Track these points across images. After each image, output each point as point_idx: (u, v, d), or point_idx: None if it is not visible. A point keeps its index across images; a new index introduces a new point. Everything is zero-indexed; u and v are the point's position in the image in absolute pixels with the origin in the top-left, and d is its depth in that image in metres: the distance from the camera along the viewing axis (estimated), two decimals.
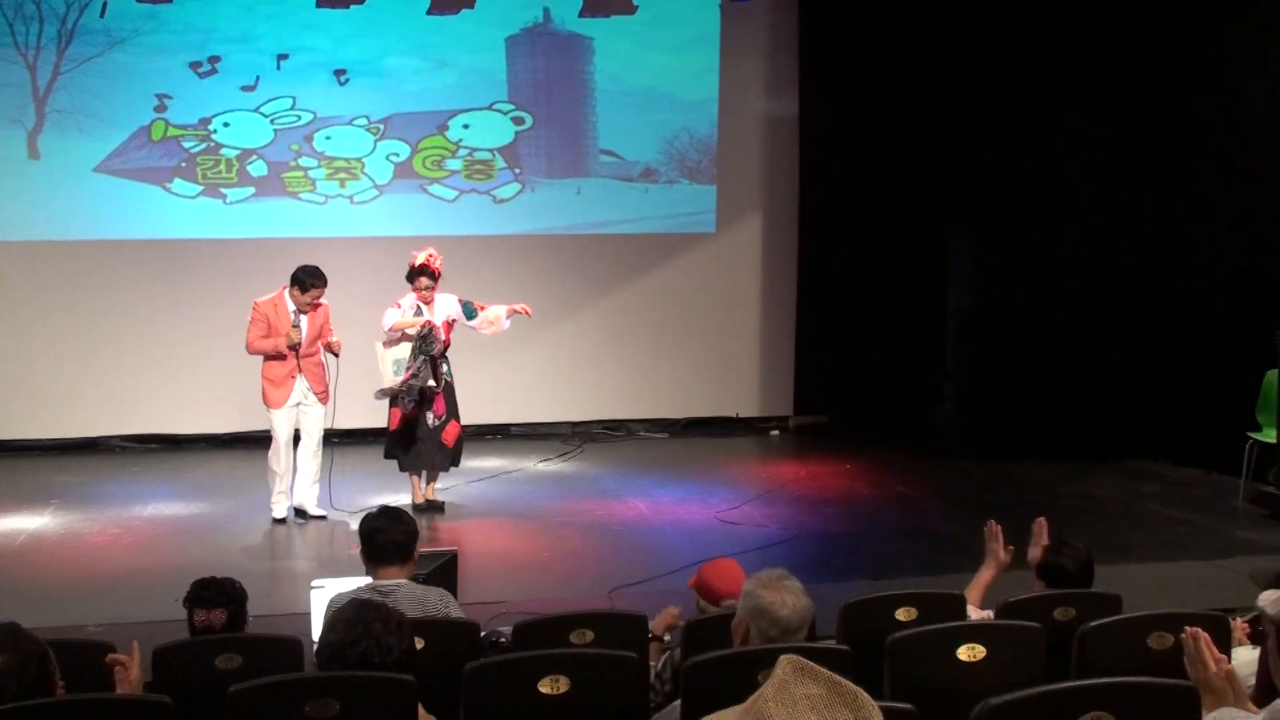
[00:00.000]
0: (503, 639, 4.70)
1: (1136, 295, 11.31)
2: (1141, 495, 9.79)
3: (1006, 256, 11.73)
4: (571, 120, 12.38)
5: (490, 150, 12.15)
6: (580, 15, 12.17)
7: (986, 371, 12.11)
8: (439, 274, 8.98)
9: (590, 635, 4.30)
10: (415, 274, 8.94)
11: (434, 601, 4.67)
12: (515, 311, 9.22)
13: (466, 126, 12.04)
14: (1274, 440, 9.04)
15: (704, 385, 12.71)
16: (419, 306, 8.93)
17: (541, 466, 10.86)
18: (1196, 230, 10.96)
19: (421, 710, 3.32)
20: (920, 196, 12.70)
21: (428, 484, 9.08)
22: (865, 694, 1.64)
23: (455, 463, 9.19)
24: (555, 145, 12.37)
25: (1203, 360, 10.75)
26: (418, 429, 8.88)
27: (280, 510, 8.79)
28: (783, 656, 1.68)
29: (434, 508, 9.00)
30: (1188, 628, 3.06)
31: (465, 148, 12.06)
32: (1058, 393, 11.45)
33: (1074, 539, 5.21)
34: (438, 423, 8.92)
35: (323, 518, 8.88)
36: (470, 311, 9.11)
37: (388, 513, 4.91)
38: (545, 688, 3.49)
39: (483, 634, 4.64)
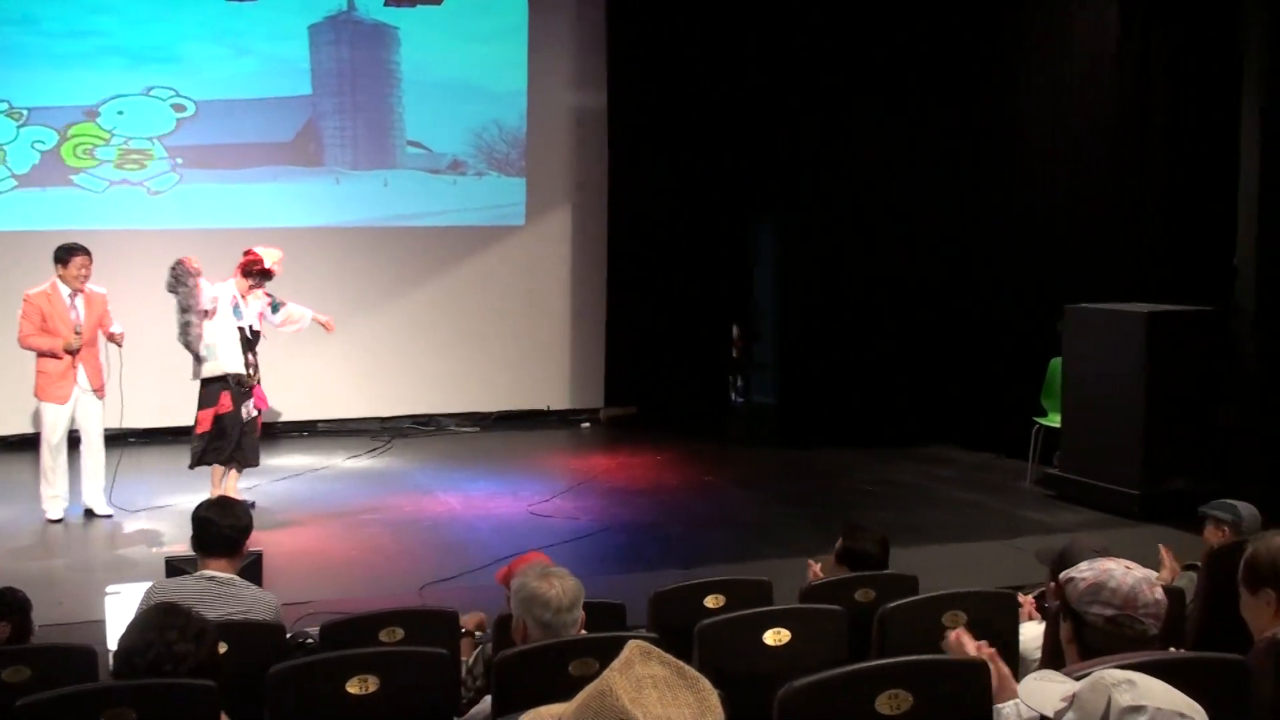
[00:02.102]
0: (309, 640, 4.61)
1: (931, 287, 11.74)
2: (937, 479, 10.17)
3: (808, 249, 12.03)
4: (377, 111, 12.18)
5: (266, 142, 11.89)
6: (386, 4, 11.99)
7: (790, 361, 12.40)
8: (271, 279, 8.79)
9: (400, 633, 4.24)
10: (258, 274, 8.66)
11: (263, 606, 4.57)
12: (319, 322, 9.07)
13: (247, 115, 11.73)
14: (1058, 425, 9.51)
15: (515, 378, 12.68)
16: (235, 300, 8.61)
17: (350, 463, 10.67)
18: (988, 225, 11.44)
19: (224, 717, 3.23)
20: (727, 188, 12.93)
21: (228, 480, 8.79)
22: (706, 680, 1.70)
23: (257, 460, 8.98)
24: (361, 136, 12.15)
25: (993, 349, 11.25)
26: (234, 424, 8.58)
27: (56, 511, 8.39)
28: (630, 641, 1.71)
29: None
30: (950, 632, 3.22)
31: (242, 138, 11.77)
32: (859, 381, 11.80)
33: (873, 523, 5.40)
34: (252, 416, 8.68)
35: (109, 517, 8.54)
36: (275, 306, 8.89)
37: (222, 504, 4.84)
38: (354, 688, 3.44)
39: (289, 636, 4.54)
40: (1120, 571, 2.97)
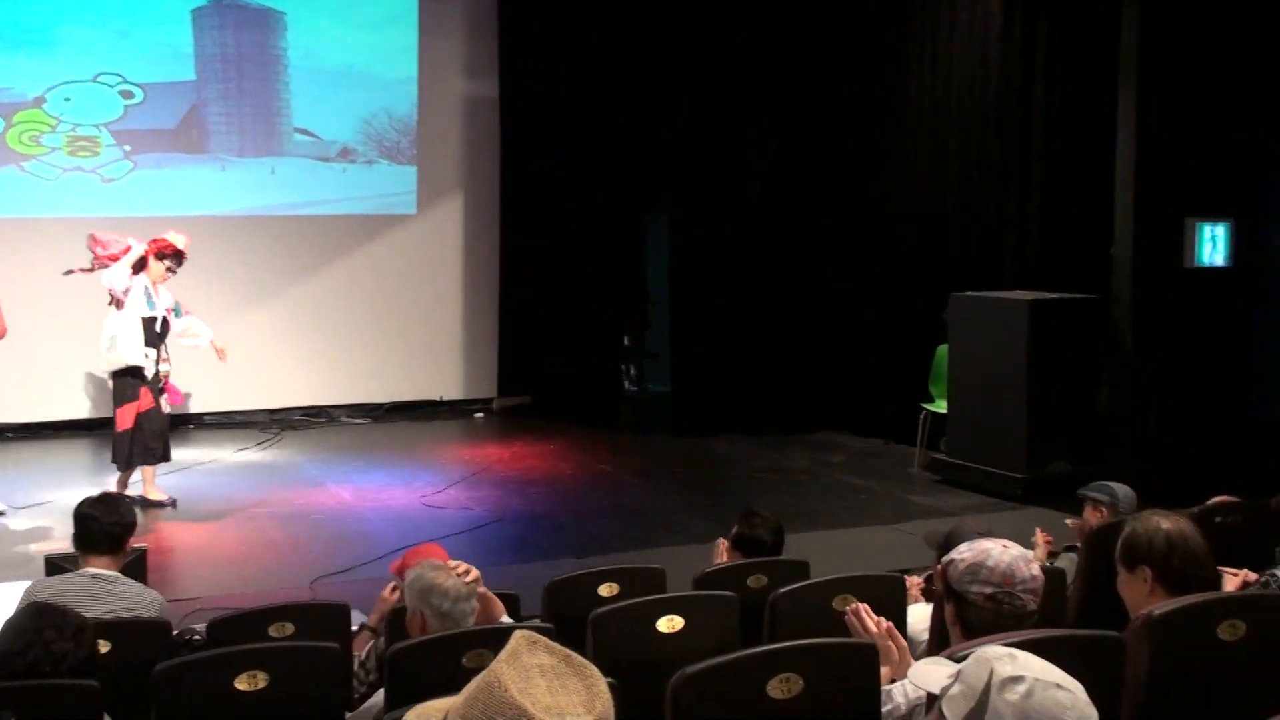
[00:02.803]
0: (196, 637, 4.52)
1: (821, 276, 11.88)
2: (828, 465, 10.32)
3: (700, 237, 12.09)
4: (264, 97, 11.96)
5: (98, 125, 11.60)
6: None
7: (683, 349, 12.46)
8: (184, 263, 8.58)
9: (290, 628, 4.19)
10: (168, 254, 8.43)
11: (147, 604, 4.48)
12: (215, 348, 8.90)
13: (134, 96, 11.44)
14: (945, 411, 9.70)
15: (407, 369, 12.57)
16: (147, 290, 8.40)
17: (238, 456, 10.48)
18: (875, 214, 11.61)
19: (108, 718, 3.16)
20: (620, 177, 12.95)
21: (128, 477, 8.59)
22: (594, 667, 1.70)
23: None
24: (247, 123, 11.92)
25: (881, 337, 11.43)
26: (152, 421, 8.39)
27: None
28: (516, 631, 1.71)
29: (164, 505, 8.58)
30: (848, 608, 3.28)
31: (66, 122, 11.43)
32: (751, 369, 11.90)
33: (766, 509, 5.44)
34: (170, 411, 8.49)
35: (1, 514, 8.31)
36: (179, 311, 8.72)
37: (105, 500, 4.73)
38: (243, 684, 3.38)
39: (175, 633, 4.45)
40: (998, 550, 3.03)
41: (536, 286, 12.72)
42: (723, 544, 5.24)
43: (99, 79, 11.23)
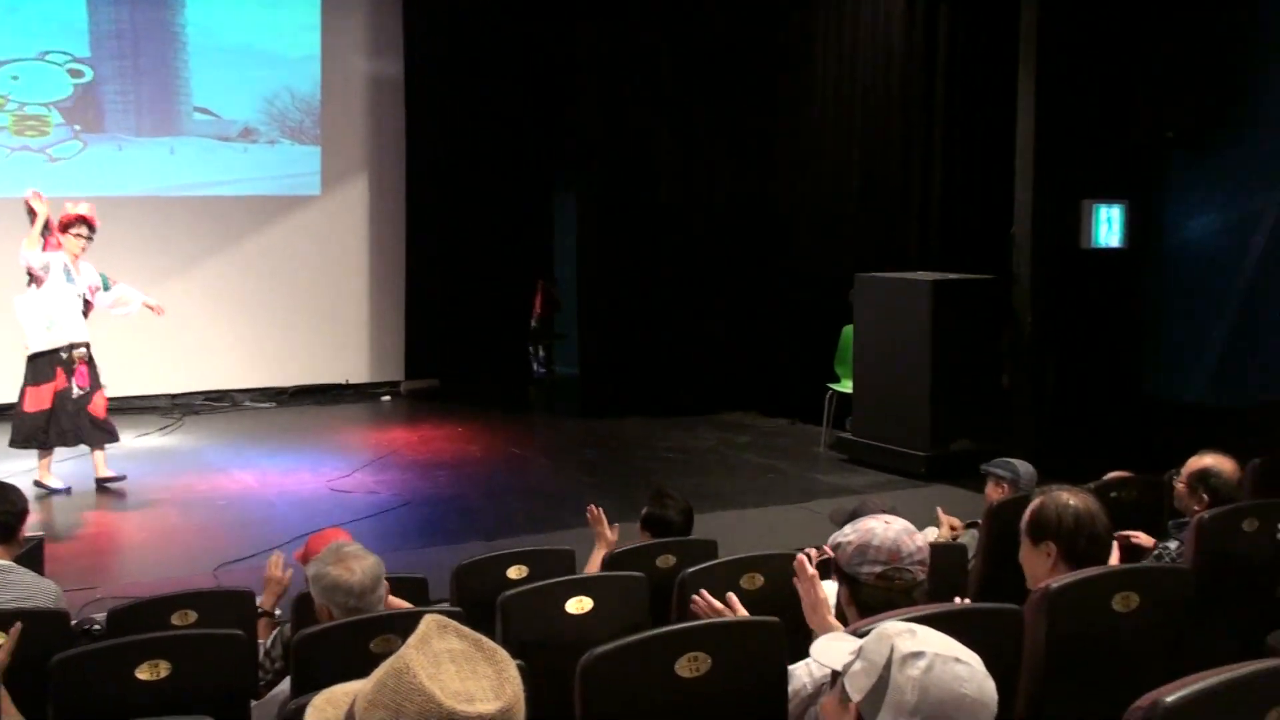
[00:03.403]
0: (96, 627, 4.43)
1: (728, 257, 11.95)
2: (736, 446, 10.39)
3: (607, 219, 12.08)
4: (162, 75, 11.70)
5: (45, 105, 11.27)
6: None
7: (591, 331, 12.46)
8: (96, 229, 8.35)
9: (193, 616, 4.12)
10: (73, 224, 8.21)
11: (43, 593, 4.37)
12: (149, 306, 8.73)
13: (15, 79, 11.11)
14: (850, 390, 9.82)
15: (312, 352, 12.41)
16: (66, 266, 8.19)
17: (138, 442, 10.27)
18: (781, 196, 11.71)
19: (7, 705, 3.09)
20: (527, 158, 12.90)
21: (57, 461, 8.42)
22: (504, 651, 1.69)
23: (115, 436, 8.60)
24: (145, 102, 11.66)
25: (788, 318, 11.53)
26: (67, 401, 8.18)
27: None
28: (426, 615, 1.70)
29: (113, 480, 8.45)
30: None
31: (15, 101, 11.14)
32: (659, 351, 11.94)
33: (675, 490, 5.48)
34: (82, 394, 8.28)
35: None
36: (107, 283, 8.52)
37: None
38: (144, 674, 3.32)
39: (73, 623, 4.35)
40: (881, 528, 3.07)
41: (444, 268, 12.62)
42: (614, 527, 5.24)
43: (45, 57, 10.95)
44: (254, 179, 12.17)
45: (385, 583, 3.67)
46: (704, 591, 3.37)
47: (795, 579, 3.28)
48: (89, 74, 11.26)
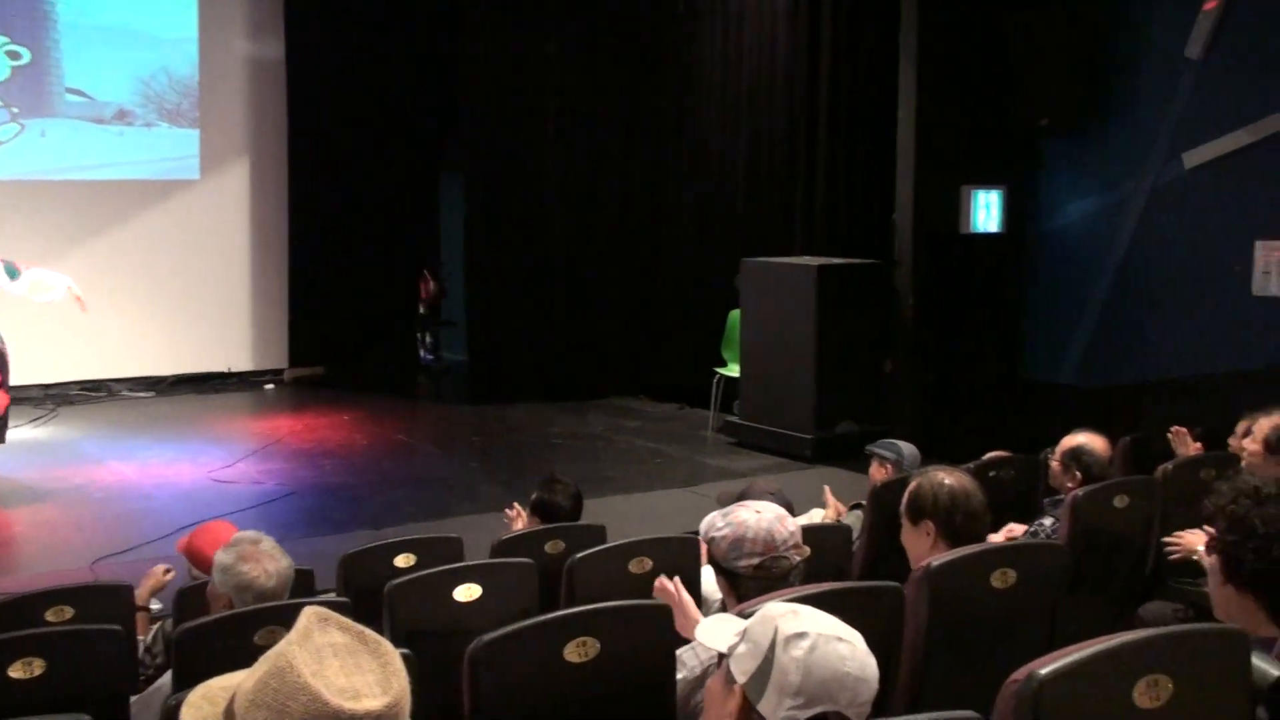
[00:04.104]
0: None
1: (616, 242, 11.96)
2: (624, 431, 10.42)
3: (494, 203, 12.00)
4: (32, 55, 11.31)
5: None
6: None
7: (479, 317, 12.37)
8: None
9: (69, 612, 4.01)
10: None
11: None
12: (75, 296, 8.38)
13: None
14: (738, 374, 9.91)
15: (192, 340, 12.14)
16: None
17: (9, 434, 9.93)
18: (668, 180, 11.75)
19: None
20: (412, 141, 12.76)
21: None
22: (389, 643, 1.66)
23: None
24: (14, 82, 11.27)
25: (676, 303, 11.59)
26: None
27: None
28: (306, 608, 1.65)
29: None
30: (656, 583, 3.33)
31: None
32: (547, 336, 11.91)
33: (565, 475, 5.48)
34: None
35: None
36: (11, 271, 8.13)
37: None
38: (17, 672, 3.23)
39: None
40: (754, 518, 3.07)
41: (328, 254, 12.44)
42: (519, 510, 5.25)
43: None
44: (130, 163, 11.85)
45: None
46: (664, 577, 3.36)
47: (658, 593, 3.29)
48: (26, 56, 10.83)
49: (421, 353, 14.16)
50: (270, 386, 12.37)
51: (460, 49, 12.05)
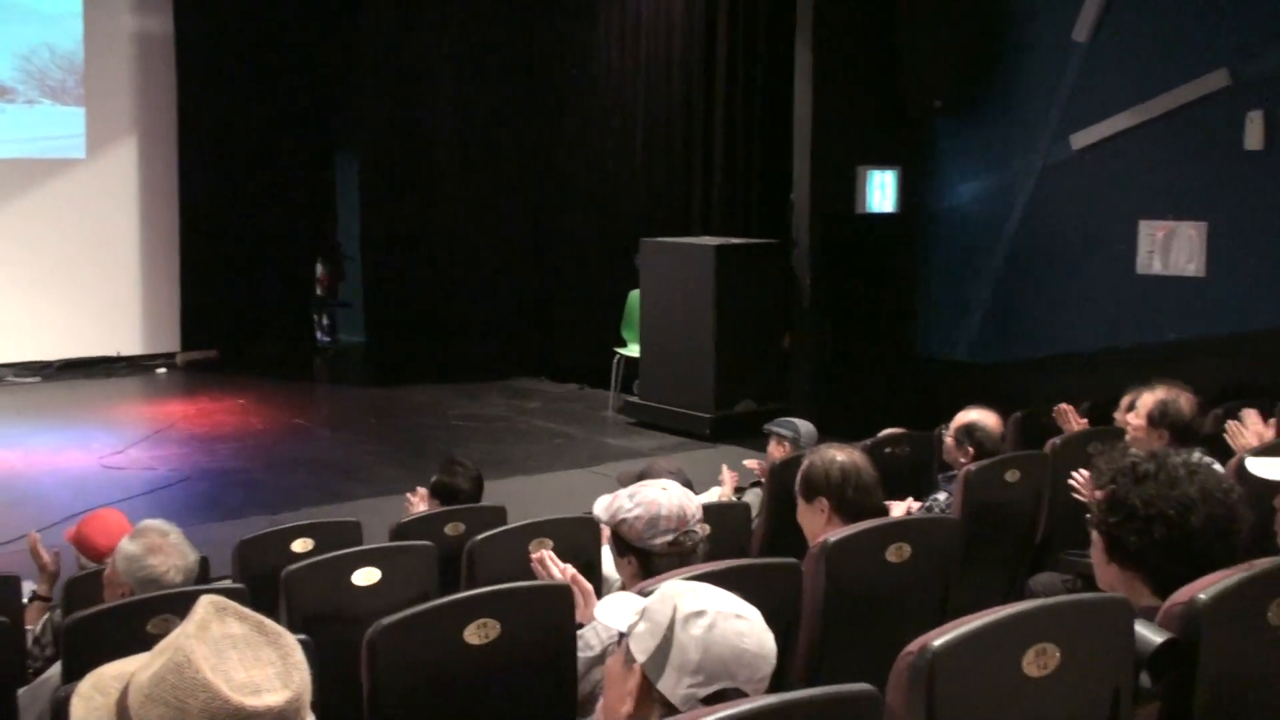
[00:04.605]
0: None
1: (515, 222, 11.91)
2: (524, 412, 10.40)
3: (390, 183, 11.88)
4: None
5: None
6: None
7: (377, 298, 12.25)
8: None
9: None
10: None
11: None
12: None
13: None
14: (638, 354, 9.93)
15: (80, 323, 11.83)
16: None
17: None
18: (566, 161, 11.71)
19: None
20: (306, 119, 12.55)
21: None
22: (288, 633, 1.62)
23: None
24: None
25: (575, 283, 11.57)
26: None
27: None
28: (202, 597, 1.60)
29: None
30: (534, 555, 3.32)
31: None
32: (446, 317, 11.84)
33: (465, 457, 5.45)
34: None
35: None
36: None
37: None
38: None
39: None
40: (664, 496, 3.11)
41: (221, 234, 12.20)
42: (420, 492, 5.22)
43: None
44: (11, 141, 11.51)
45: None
46: (549, 554, 3.35)
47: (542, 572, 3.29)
48: None
49: (318, 335, 13.96)
50: (162, 371, 12.11)
51: (353, 26, 11.89)
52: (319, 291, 14.03)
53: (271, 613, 3.56)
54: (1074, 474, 4.02)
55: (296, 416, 10.19)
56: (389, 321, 11.95)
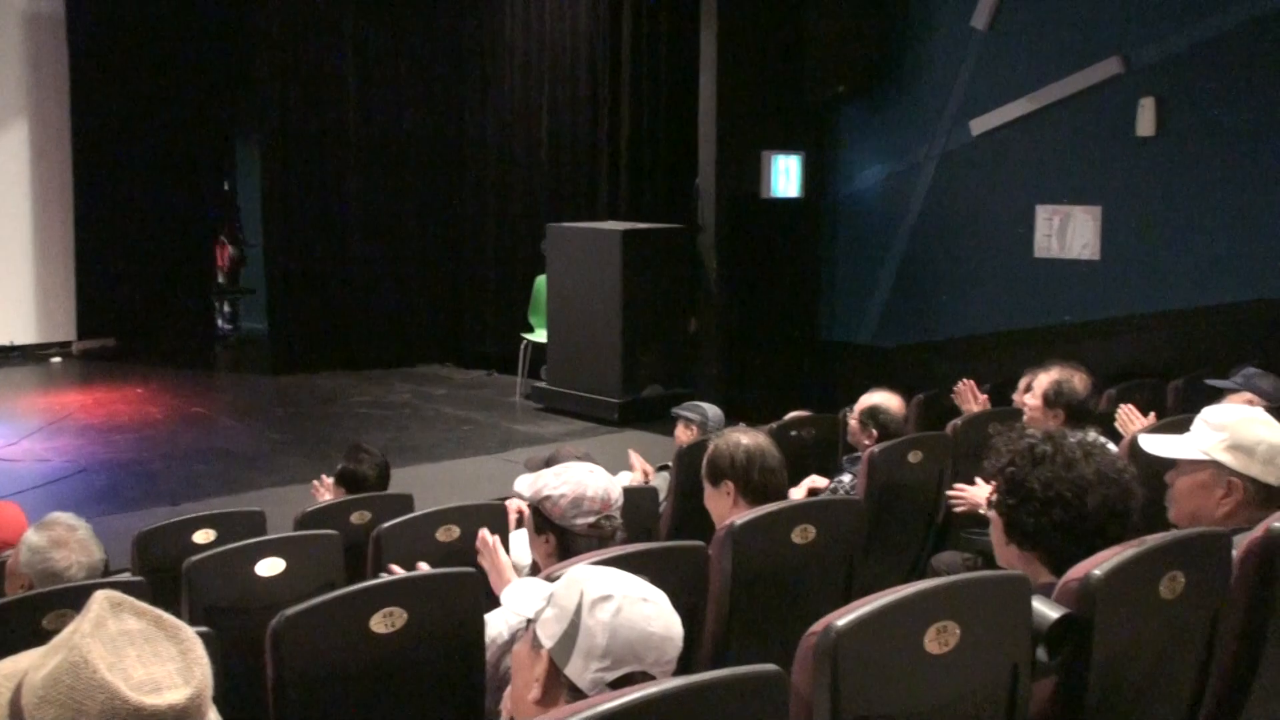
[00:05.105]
0: None
1: (421, 209, 11.80)
2: (431, 399, 10.33)
3: (293, 168, 11.66)
4: None
5: None
6: None
7: (279, 285, 12.04)
8: None
9: None
10: None
11: None
12: None
13: None
14: (545, 340, 9.92)
15: None
16: None
17: None
18: (472, 148, 11.64)
19: None
20: (205, 102, 12.31)
21: None
22: (188, 627, 1.57)
23: None
24: None
25: (482, 269, 11.51)
26: None
27: None
28: (97, 592, 1.55)
29: None
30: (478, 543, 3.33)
31: None
32: (351, 304, 11.69)
33: (371, 444, 5.40)
34: None
35: None
36: None
37: None
38: None
39: None
40: (591, 478, 3.14)
41: (117, 219, 11.93)
42: (326, 481, 5.16)
43: None
44: None
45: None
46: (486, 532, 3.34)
47: (479, 556, 3.29)
48: None
49: (219, 322, 13.73)
50: (57, 360, 11.83)
51: (253, 5, 11.65)
52: (220, 278, 13.79)
53: (173, 606, 3.51)
54: (953, 491, 4.00)
55: (197, 405, 10.01)
56: (292, 308, 11.72)
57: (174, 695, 1.49)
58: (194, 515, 4.61)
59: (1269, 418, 2.98)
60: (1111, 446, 3.20)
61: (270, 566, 3.66)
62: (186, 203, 12.35)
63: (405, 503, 4.64)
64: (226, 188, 13.57)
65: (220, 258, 13.70)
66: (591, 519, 3.09)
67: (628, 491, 4.69)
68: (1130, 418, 4.93)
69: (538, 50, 10.92)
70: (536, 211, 10.58)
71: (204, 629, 2.79)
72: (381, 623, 2.79)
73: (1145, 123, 7.78)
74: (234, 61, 12.20)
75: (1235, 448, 2.88)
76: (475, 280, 11.63)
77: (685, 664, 2.01)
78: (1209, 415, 2.99)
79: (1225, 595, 2.50)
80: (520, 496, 3.25)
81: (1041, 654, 2.18)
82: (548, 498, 3.13)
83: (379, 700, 2.85)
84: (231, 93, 12.48)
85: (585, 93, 10.51)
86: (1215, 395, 5.02)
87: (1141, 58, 7.83)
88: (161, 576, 3.81)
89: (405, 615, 2.82)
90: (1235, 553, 2.54)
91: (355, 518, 4.46)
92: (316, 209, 11.57)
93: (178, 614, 1.62)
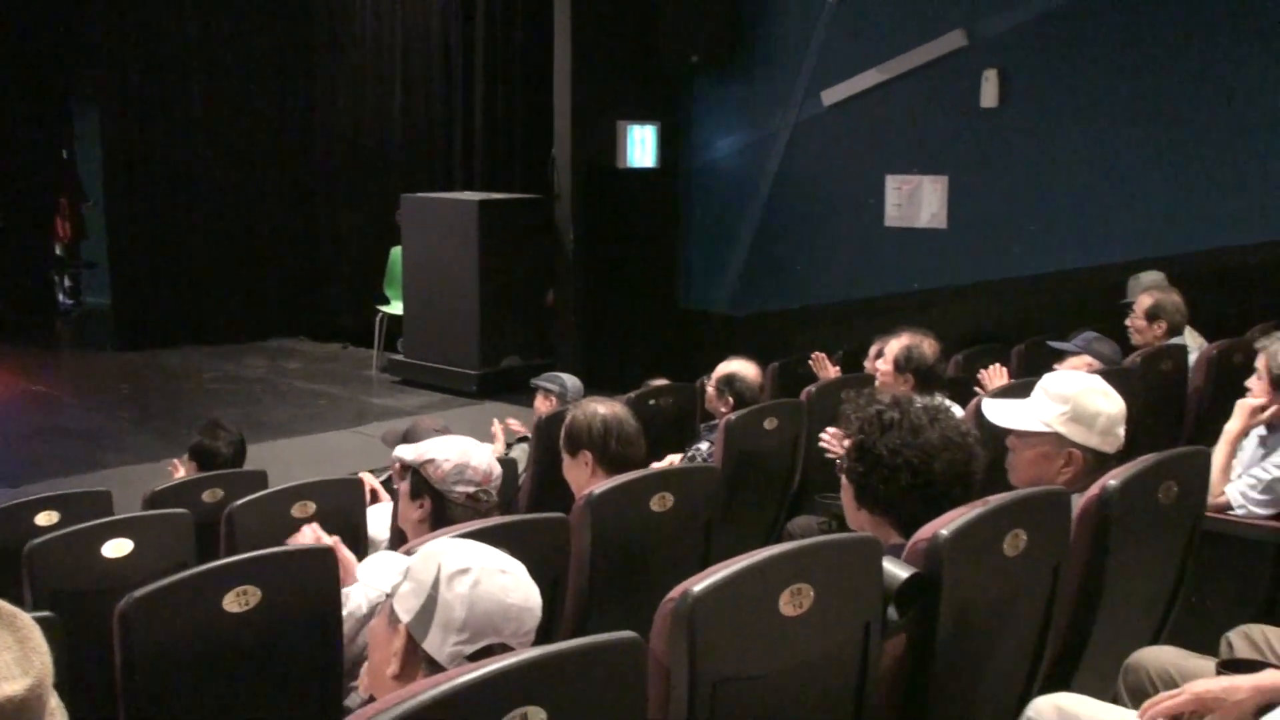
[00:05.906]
0: None
1: (272, 180, 11.54)
2: (285, 373, 10.14)
3: (136, 138, 11.27)
4: None
5: None
6: None
7: (123, 258, 11.65)
8: None
9: None
10: None
11: None
12: None
13: None
14: (401, 312, 9.80)
15: None
16: None
17: None
18: (324, 117, 11.41)
19: None
20: (42, 69, 11.82)
21: None
22: (25, 614, 1.52)
23: None
24: None
25: (335, 240, 11.32)
26: None
27: None
28: None
29: None
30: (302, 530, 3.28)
31: None
32: (199, 277, 11.39)
33: (225, 420, 5.29)
34: None
35: None
36: None
37: None
38: None
39: None
40: (476, 451, 3.19)
41: None
42: (176, 463, 5.06)
43: None
44: None
45: None
46: (316, 526, 3.28)
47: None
48: None
49: (60, 296, 13.25)
50: None
51: None
52: (59, 251, 13.29)
53: (13, 591, 3.39)
54: (824, 433, 4.15)
55: (38, 383, 9.66)
56: (137, 282, 11.33)
57: (11, 687, 1.43)
58: (35, 497, 4.47)
59: (1107, 387, 3.09)
60: (957, 409, 3.30)
61: (117, 548, 3.56)
62: (20, 173, 11.84)
63: (259, 479, 4.55)
64: (66, 156, 13.04)
65: (59, 230, 13.18)
66: (471, 489, 3.13)
67: None
68: (992, 377, 5.10)
69: (390, 18, 10.74)
70: (392, 182, 10.42)
71: (46, 614, 2.70)
72: (235, 601, 2.74)
73: (989, 94, 7.98)
74: (70, 24, 11.71)
75: (1075, 419, 2.99)
76: (329, 252, 11.43)
77: (547, 634, 2.02)
78: (1049, 384, 3.09)
79: (1065, 550, 2.61)
80: (401, 460, 3.24)
81: (892, 613, 2.24)
82: (431, 460, 3.15)
83: (234, 680, 2.80)
84: (68, 57, 11.98)
85: (438, 62, 10.38)
86: (1056, 357, 5.20)
87: (985, 30, 8.02)
88: (1, 561, 3.68)
89: (259, 593, 2.77)
90: (1074, 512, 2.65)
91: (207, 496, 4.37)
92: (160, 179, 11.20)
93: (19, 600, 1.57)
